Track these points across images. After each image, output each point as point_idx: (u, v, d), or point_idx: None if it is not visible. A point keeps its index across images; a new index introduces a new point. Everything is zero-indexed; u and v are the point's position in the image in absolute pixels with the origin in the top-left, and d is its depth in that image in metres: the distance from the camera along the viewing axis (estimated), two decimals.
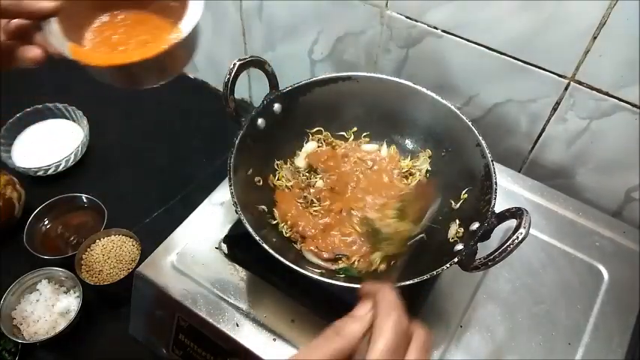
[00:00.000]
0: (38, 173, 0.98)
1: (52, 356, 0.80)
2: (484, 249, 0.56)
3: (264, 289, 0.68)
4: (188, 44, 0.50)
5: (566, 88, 0.74)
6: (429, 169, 0.74)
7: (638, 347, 0.65)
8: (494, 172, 0.63)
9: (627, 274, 0.71)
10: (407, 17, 0.80)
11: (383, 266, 0.66)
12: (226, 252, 0.72)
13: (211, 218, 0.75)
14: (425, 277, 0.55)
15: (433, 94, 0.71)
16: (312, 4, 0.88)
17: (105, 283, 0.80)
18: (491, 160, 0.64)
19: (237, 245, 0.72)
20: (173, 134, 1.09)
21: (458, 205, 0.69)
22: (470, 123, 0.68)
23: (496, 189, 0.62)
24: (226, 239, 0.73)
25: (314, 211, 0.70)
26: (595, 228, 0.75)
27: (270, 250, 0.57)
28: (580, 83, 0.72)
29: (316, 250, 0.67)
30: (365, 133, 0.77)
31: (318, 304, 0.65)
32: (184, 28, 0.48)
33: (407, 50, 0.84)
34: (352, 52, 0.91)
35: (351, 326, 0.40)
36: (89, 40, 0.51)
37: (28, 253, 0.84)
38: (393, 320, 0.40)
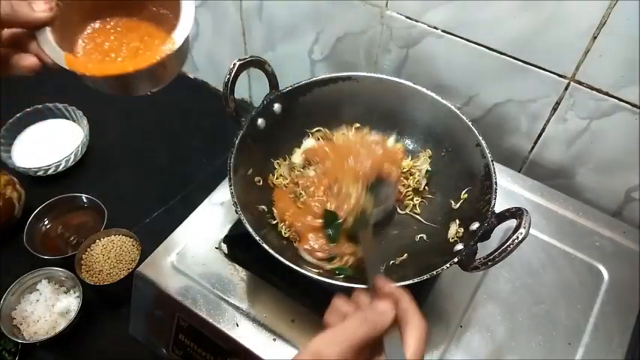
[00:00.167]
0: (38, 173, 0.98)
1: (52, 356, 0.80)
2: (484, 249, 0.56)
3: (264, 289, 0.68)
4: (180, 54, 0.50)
5: (566, 88, 0.74)
6: (429, 169, 0.74)
7: (638, 347, 0.65)
8: (494, 172, 0.63)
9: (627, 274, 0.71)
10: (407, 17, 0.80)
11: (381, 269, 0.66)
12: (226, 252, 0.72)
13: (211, 218, 0.75)
14: (425, 277, 0.55)
15: (433, 94, 0.71)
16: (312, 4, 0.88)
17: (105, 283, 0.80)
18: (491, 160, 0.64)
19: (237, 245, 0.72)
20: (173, 134, 1.09)
21: (458, 205, 0.69)
22: (470, 123, 0.68)
23: (496, 189, 0.62)
24: (226, 239, 0.73)
25: (301, 202, 0.69)
26: (595, 228, 0.75)
27: (270, 250, 0.57)
28: (580, 83, 0.72)
29: (310, 249, 0.67)
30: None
31: (318, 304, 0.64)
32: (177, 38, 0.49)
33: (407, 50, 0.84)
34: (352, 52, 0.91)
35: (380, 318, 0.43)
36: (81, 47, 0.52)
37: (28, 253, 0.84)
38: (423, 332, 0.43)
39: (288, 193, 0.72)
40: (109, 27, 0.54)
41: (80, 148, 1.02)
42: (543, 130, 0.81)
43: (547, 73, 0.74)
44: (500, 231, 0.59)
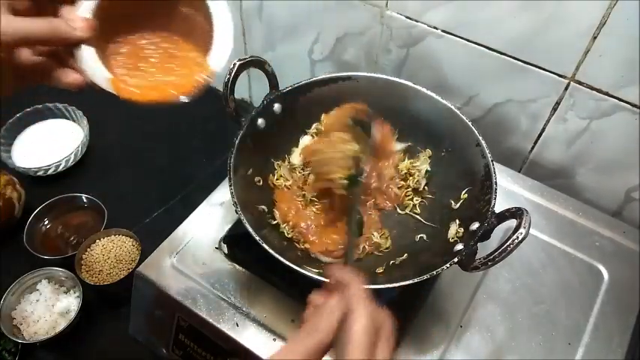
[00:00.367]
0: (38, 173, 0.98)
1: (52, 356, 0.80)
2: (484, 249, 0.56)
3: (264, 289, 0.68)
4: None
5: (566, 88, 0.74)
6: (429, 169, 0.74)
7: (638, 347, 0.65)
8: (494, 172, 0.63)
9: (627, 274, 0.71)
10: (407, 17, 0.80)
11: (381, 269, 0.66)
12: (226, 252, 0.72)
13: (211, 218, 0.75)
14: (425, 277, 0.55)
15: (433, 94, 0.71)
16: (312, 4, 0.88)
17: (105, 283, 0.80)
18: (491, 160, 0.64)
19: (237, 245, 0.72)
20: (173, 134, 1.09)
21: (458, 205, 0.69)
22: (470, 123, 0.68)
23: (496, 189, 0.62)
24: (226, 239, 0.73)
25: (316, 209, 0.70)
26: (595, 228, 0.75)
27: (270, 250, 0.57)
28: (580, 83, 0.72)
29: (325, 250, 0.67)
30: None
31: None
32: (216, 63, 0.51)
33: (407, 50, 0.84)
34: (352, 52, 0.91)
35: (326, 321, 0.42)
36: (116, 65, 0.51)
37: (28, 253, 0.84)
38: (366, 320, 0.41)
39: (294, 195, 0.72)
40: (143, 43, 0.53)
41: (80, 148, 1.02)
42: (543, 130, 0.81)
43: (547, 73, 0.74)
44: (500, 231, 0.59)
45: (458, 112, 0.69)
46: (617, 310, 0.67)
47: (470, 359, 0.63)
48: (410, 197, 0.73)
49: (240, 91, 1.11)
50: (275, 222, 0.70)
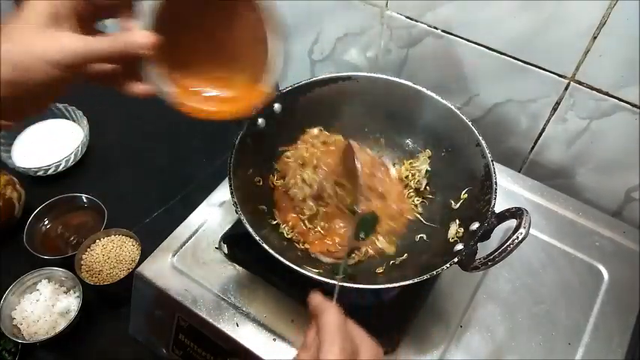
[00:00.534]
0: (38, 173, 0.98)
1: (52, 356, 0.80)
2: (484, 249, 0.56)
3: (264, 289, 0.68)
4: None
5: (566, 88, 0.74)
6: (429, 169, 0.74)
7: (638, 347, 0.65)
8: (494, 172, 0.63)
9: (627, 274, 0.71)
10: (407, 17, 0.80)
11: (380, 269, 0.66)
12: (226, 252, 0.72)
13: (211, 218, 0.75)
14: (425, 277, 0.55)
15: (433, 94, 0.71)
16: (312, 4, 0.88)
17: (105, 283, 0.80)
18: (491, 160, 0.64)
19: (237, 245, 0.72)
20: (173, 134, 1.08)
21: (458, 205, 0.69)
22: (470, 123, 0.68)
23: (496, 189, 0.62)
24: (226, 239, 0.73)
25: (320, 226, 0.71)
26: (595, 228, 0.75)
27: (270, 250, 0.57)
28: (580, 83, 0.72)
29: (326, 251, 0.67)
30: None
31: None
32: (269, 82, 0.54)
33: (407, 50, 0.84)
34: (352, 52, 0.91)
35: (301, 357, 0.43)
36: (177, 80, 0.52)
37: (28, 253, 0.84)
38: (337, 350, 0.41)
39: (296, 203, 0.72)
40: (203, 57, 0.54)
41: (80, 148, 1.02)
42: (543, 130, 0.81)
43: (547, 73, 0.74)
44: (500, 231, 0.59)
45: (458, 112, 0.69)
46: (617, 310, 0.67)
47: (470, 359, 0.63)
48: (411, 197, 0.73)
49: None
50: (275, 222, 0.70)
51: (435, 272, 0.56)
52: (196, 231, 0.74)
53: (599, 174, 0.80)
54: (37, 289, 0.82)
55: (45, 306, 0.80)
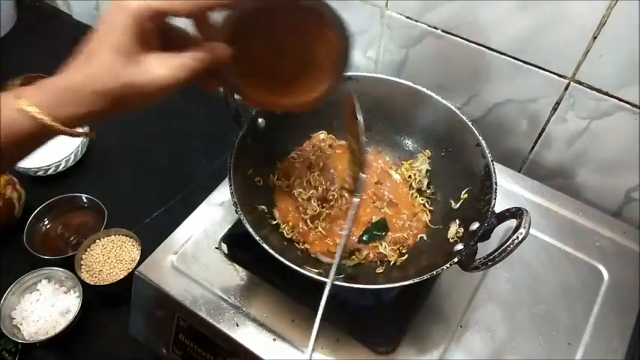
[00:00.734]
0: (38, 173, 0.98)
1: (52, 356, 0.80)
2: (484, 249, 0.56)
3: (264, 289, 0.68)
4: None
5: (566, 88, 0.74)
6: (429, 169, 0.74)
7: (638, 347, 0.65)
8: (494, 172, 0.63)
9: (627, 274, 0.71)
10: (407, 17, 0.80)
11: (380, 269, 0.66)
12: (226, 252, 0.72)
13: (211, 218, 0.75)
14: (425, 277, 0.55)
15: (433, 94, 0.71)
16: None
17: (105, 283, 0.80)
18: (491, 160, 0.64)
19: (237, 245, 0.72)
20: (173, 134, 1.08)
21: (458, 205, 0.69)
22: (470, 123, 0.68)
23: (496, 189, 0.62)
24: (226, 239, 0.73)
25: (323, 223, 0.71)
26: (595, 228, 0.75)
27: (270, 250, 0.57)
28: (580, 83, 0.72)
29: (327, 252, 0.67)
30: None
31: (318, 304, 0.65)
32: (336, 79, 0.57)
33: (407, 50, 0.84)
34: (352, 52, 0.91)
35: None
36: (249, 76, 0.56)
37: (28, 253, 0.84)
38: None
39: (295, 198, 0.72)
40: (272, 57, 0.57)
41: (80, 148, 1.02)
42: (543, 130, 0.81)
43: (547, 73, 0.74)
44: (500, 231, 0.59)
45: (458, 112, 0.69)
46: (617, 310, 0.67)
47: (470, 359, 0.63)
48: (414, 197, 0.73)
49: None
50: (275, 222, 0.70)
51: (435, 272, 0.56)
52: (196, 231, 0.74)
53: (599, 174, 0.80)
54: (37, 289, 0.82)
55: (45, 306, 0.80)
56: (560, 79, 0.73)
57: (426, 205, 0.72)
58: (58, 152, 1.01)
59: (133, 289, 0.72)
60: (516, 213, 0.54)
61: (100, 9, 1.27)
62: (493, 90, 0.81)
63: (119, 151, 1.07)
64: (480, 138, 0.66)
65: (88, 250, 0.84)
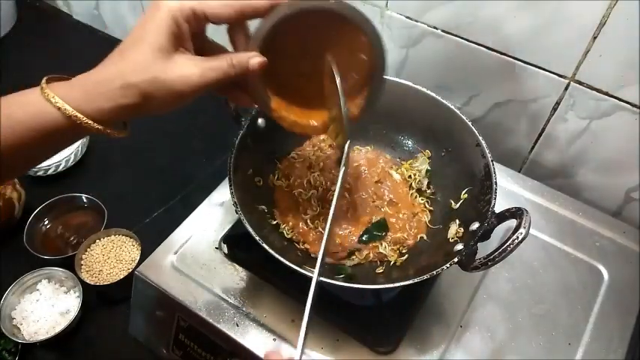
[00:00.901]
0: (38, 173, 0.98)
1: (52, 356, 0.80)
2: (484, 249, 0.56)
3: (264, 289, 0.68)
4: None
5: (566, 88, 0.74)
6: (429, 169, 0.74)
7: (638, 347, 0.65)
8: (494, 172, 0.63)
9: (627, 274, 0.71)
10: (407, 17, 0.80)
11: (380, 269, 0.66)
12: (226, 252, 0.72)
13: (211, 218, 0.75)
14: (425, 277, 0.55)
15: (433, 94, 0.71)
16: None
17: (105, 283, 0.80)
18: (491, 160, 0.64)
19: (237, 245, 0.72)
20: (173, 134, 1.09)
21: (458, 205, 0.69)
22: (470, 123, 0.68)
23: (496, 189, 0.62)
24: (226, 239, 0.73)
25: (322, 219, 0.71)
26: (595, 228, 0.75)
27: (270, 250, 0.57)
28: (580, 83, 0.72)
29: (327, 252, 0.67)
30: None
31: (318, 304, 0.65)
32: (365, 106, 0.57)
33: (407, 50, 0.84)
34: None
35: None
36: (279, 94, 0.56)
37: (28, 253, 0.84)
38: None
39: (295, 198, 0.72)
40: (303, 78, 0.56)
41: (80, 148, 1.02)
42: (543, 130, 0.81)
43: (547, 73, 0.74)
44: (500, 231, 0.59)
45: (458, 112, 0.69)
46: (617, 310, 0.67)
47: (470, 359, 0.63)
48: (415, 197, 0.73)
49: None
50: (275, 222, 0.70)
51: (435, 272, 0.56)
52: (196, 231, 0.74)
53: (599, 174, 0.80)
54: (37, 289, 0.82)
55: (45, 306, 0.80)
56: (560, 79, 0.73)
57: (426, 205, 0.72)
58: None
59: (133, 289, 0.72)
60: (516, 213, 0.54)
61: (100, 9, 1.27)
62: (493, 90, 0.81)
63: (119, 151, 1.07)
64: (480, 138, 0.66)
65: (88, 250, 0.84)
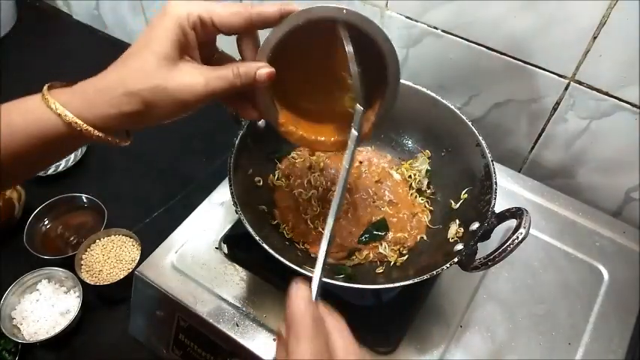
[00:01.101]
0: (38, 173, 0.98)
1: (52, 356, 0.80)
2: (484, 249, 0.56)
3: (264, 289, 0.68)
4: None
5: (566, 88, 0.74)
6: (429, 169, 0.74)
7: (638, 347, 0.65)
8: (494, 172, 0.63)
9: (627, 274, 0.71)
10: (407, 17, 0.80)
11: (380, 269, 0.66)
12: (226, 252, 0.72)
13: (211, 218, 0.75)
14: (425, 277, 0.55)
15: (433, 94, 0.71)
16: None
17: (105, 283, 0.80)
18: (491, 160, 0.64)
19: (237, 245, 0.72)
20: (173, 134, 1.08)
21: (458, 205, 0.69)
22: (470, 123, 0.68)
23: (496, 189, 0.62)
24: (226, 239, 0.73)
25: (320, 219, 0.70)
26: (595, 228, 0.75)
27: (271, 250, 0.57)
28: (580, 83, 0.72)
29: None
30: None
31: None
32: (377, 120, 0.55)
33: (407, 50, 0.84)
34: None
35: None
36: (286, 108, 0.55)
37: (28, 253, 0.84)
38: (304, 348, 0.38)
39: (295, 198, 0.72)
40: (310, 93, 0.55)
41: (80, 148, 1.02)
42: (543, 130, 0.81)
43: (547, 73, 0.74)
44: (500, 231, 0.59)
45: (458, 112, 0.69)
46: (617, 310, 0.67)
47: (470, 359, 0.63)
48: (415, 197, 0.73)
49: None
50: (275, 222, 0.70)
51: (435, 272, 0.56)
52: (196, 231, 0.74)
53: (599, 174, 0.80)
54: (37, 289, 0.82)
55: (45, 306, 0.80)
56: (560, 79, 0.73)
57: (426, 205, 0.72)
58: None
59: (133, 289, 0.72)
60: (516, 213, 0.54)
61: (100, 9, 1.27)
62: (493, 90, 0.81)
63: (119, 151, 1.06)
64: (480, 138, 0.66)
65: (88, 250, 0.84)
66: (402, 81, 0.71)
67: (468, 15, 0.74)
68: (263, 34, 0.48)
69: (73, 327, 0.78)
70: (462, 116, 0.68)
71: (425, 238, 0.69)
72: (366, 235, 0.69)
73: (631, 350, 0.64)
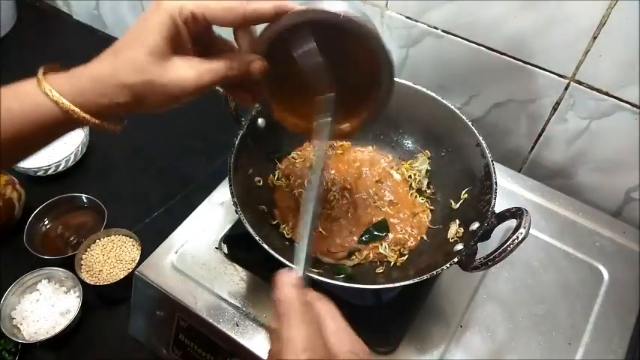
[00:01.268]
0: (38, 173, 0.98)
1: (52, 356, 0.80)
2: (484, 249, 0.56)
3: (264, 289, 0.68)
4: None
5: (566, 88, 0.74)
6: (429, 169, 0.74)
7: (638, 347, 0.65)
8: (494, 172, 0.63)
9: (627, 274, 0.71)
10: (407, 17, 0.80)
11: (380, 269, 0.66)
12: (226, 252, 0.72)
13: (211, 218, 0.75)
14: (425, 277, 0.55)
15: (433, 94, 0.71)
16: None
17: (105, 283, 0.80)
18: (491, 160, 0.64)
19: (237, 245, 0.72)
20: (173, 134, 1.09)
21: (458, 205, 0.69)
22: (470, 123, 0.68)
23: (496, 189, 0.62)
24: (226, 239, 0.73)
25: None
26: (595, 228, 0.75)
27: (271, 250, 0.57)
28: (580, 83, 0.72)
29: (327, 252, 0.67)
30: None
31: None
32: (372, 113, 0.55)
33: (407, 50, 0.84)
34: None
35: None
36: (281, 94, 0.55)
37: (28, 253, 0.84)
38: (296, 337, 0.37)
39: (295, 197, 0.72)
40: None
41: (80, 148, 1.02)
42: (543, 130, 0.81)
43: (547, 73, 0.74)
44: (500, 231, 0.59)
45: (458, 112, 0.69)
46: (617, 310, 0.67)
47: (470, 359, 0.63)
48: (415, 197, 0.73)
49: None
50: (275, 222, 0.70)
51: (435, 272, 0.56)
52: (196, 231, 0.74)
53: (599, 174, 0.80)
54: (37, 289, 0.82)
55: (45, 306, 0.80)
56: (560, 79, 0.73)
57: (426, 205, 0.72)
58: (58, 152, 1.01)
59: (133, 289, 0.72)
60: (516, 213, 0.54)
61: (100, 9, 1.27)
62: (493, 90, 0.81)
63: (119, 151, 1.07)
64: (480, 138, 0.66)
65: (88, 250, 0.84)
66: (402, 81, 0.72)
67: (468, 15, 0.74)
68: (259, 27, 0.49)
69: (73, 327, 0.78)
70: (462, 116, 0.68)
71: (425, 238, 0.69)
72: (367, 236, 0.69)
73: (631, 350, 0.64)
